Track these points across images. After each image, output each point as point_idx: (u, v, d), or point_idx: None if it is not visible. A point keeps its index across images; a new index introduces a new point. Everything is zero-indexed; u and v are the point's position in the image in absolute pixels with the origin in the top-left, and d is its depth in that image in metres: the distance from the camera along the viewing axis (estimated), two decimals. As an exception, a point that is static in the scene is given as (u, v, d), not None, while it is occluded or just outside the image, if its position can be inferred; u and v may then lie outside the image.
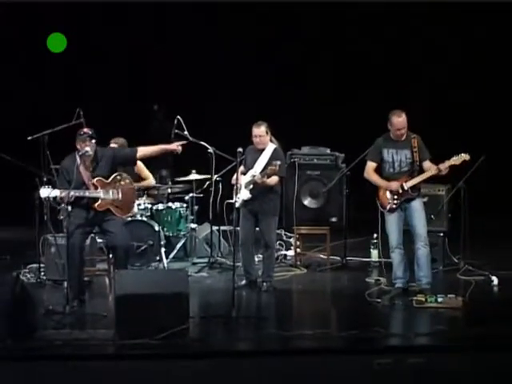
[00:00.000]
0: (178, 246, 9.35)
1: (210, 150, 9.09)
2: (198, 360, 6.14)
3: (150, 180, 9.26)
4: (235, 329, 6.80)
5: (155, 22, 12.51)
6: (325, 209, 9.23)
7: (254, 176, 7.90)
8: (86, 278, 7.96)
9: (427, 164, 7.79)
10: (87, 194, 7.55)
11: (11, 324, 6.42)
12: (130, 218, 8.54)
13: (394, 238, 7.79)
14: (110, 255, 8.01)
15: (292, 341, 6.51)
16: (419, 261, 7.77)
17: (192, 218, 9.50)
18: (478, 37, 12.14)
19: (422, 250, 7.76)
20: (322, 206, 9.24)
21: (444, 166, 7.68)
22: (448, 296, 7.34)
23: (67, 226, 7.44)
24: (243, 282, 8.17)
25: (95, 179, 7.61)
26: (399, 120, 7.74)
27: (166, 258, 9.04)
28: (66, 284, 7.51)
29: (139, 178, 9.06)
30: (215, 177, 9.12)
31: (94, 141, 7.58)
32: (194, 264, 9.24)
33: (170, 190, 9.58)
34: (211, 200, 9.06)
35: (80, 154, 7.52)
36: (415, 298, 7.37)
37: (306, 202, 9.27)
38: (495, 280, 8.24)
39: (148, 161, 9.65)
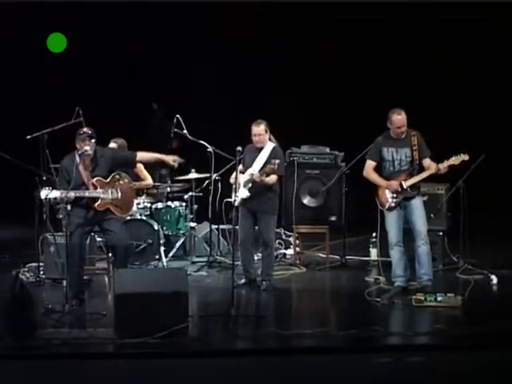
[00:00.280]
0: (178, 244, 9.36)
1: (210, 148, 9.10)
2: (198, 359, 6.15)
3: (149, 180, 9.25)
4: (234, 327, 6.80)
5: (155, 22, 12.51)
6: (324, 208, 9.23)
7: (252, 175, 7.90)
8: (85, 277, 7.96)
9: (427, 162, 7.80)
10: (87, 194, 7.55)
11: (11, 323, 6.45)
12: (129, 217, 8.55)
13: (393, 236, 7.80)
14: (110, 254, 8.02)
15: (291, 340, 6.53)
16: (420, 259, 7.79)
17: (191, 216, 9.51)
18: (479, 36, 12.14)
19: (423, 248, 7.79)
20: (321, 205, 9.24)
21: (443, 166, 7.70)
22: (447, 295, 7.35)
23: (67, 225, 7.44)
24: (242, 280, 8.18)
25: (94, 179, 7.61)
26: (399, 118, 7.75)
27: (166, 256, 9.05)
28: (65, 283, 7.52)
29: (138, 177, 9.05)
30: (214, 176, 9.14)
31: (93, 140, 7.58)
32: (194, 263, 9.24)
33: (169, 189, 9.59)
34: (210, 199, 9.07)
35: (79, 153, 7.53)
36: (414, 296, 7.38)
37: (306, 200, 9.27)
38: (494, 279, 8.25)
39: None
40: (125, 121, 11.54)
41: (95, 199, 7.58)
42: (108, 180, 7.68)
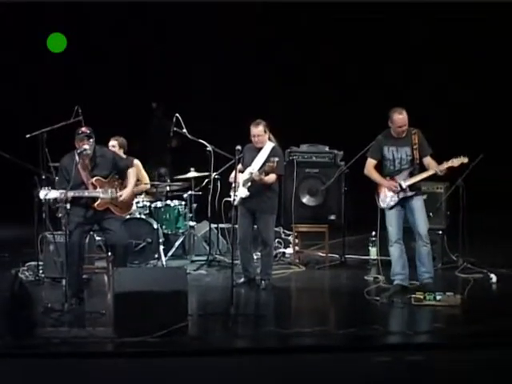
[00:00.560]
0: (177, 243, 9.36)
1: (209, 147, 9.10)
2: (197, 357, 6.14)
3: (146, 180, 9.23)
4: (234, 326, 6.79)
5: (155, 22, 12.51)
6: (323, 207, 9.23)
7: (251, 174, 7.90)
8: (84, 276, 7.95)
9: (427, 160, 7.81)
10: (86, 193, 7.55)
11: (10, 322, 6.46)
12: (128, 216, 8.55)
13: (393, 233, 7.81)
14: (109, 253, 8.03)
15: (291, 338, 6.51)
16: (421, 258, 7.81)
17: (190, 215, 9.51)
18: (479, 36, 12.15)
19: (424, 249, 7.81)
20: (320, 204, 9.24)
21: (443, 167, 7.71)
22: (446, 294, 7.35)
23: (66, 224, 7.44)
24: (242, 279, 8.18)
25: (94, 178, 7.61)
26: (400, 117, 7.76)
27: (165, 255, 9.04)
28: (64, 282, 7.50)
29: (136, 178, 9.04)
30: (214, 175, 9.14)
31: (92, 140, 7.58)
32: (193, 262, 9.24)
33: (168, 188, 9.59)
34: (210, 198, 9.07)
35: (78, 152, 7.53)
36: (414, 295, 7.37)
37: (305, 199, 9.27)
38: (494, 278, 8.25)
39: (146, 159, 9.70)
40: (125, 120, 11.54)
41: (95, 199, 7.58)
42: (107, 180, 7.68)
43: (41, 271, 8.37)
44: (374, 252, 9.07)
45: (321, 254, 9.39)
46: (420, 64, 12.42)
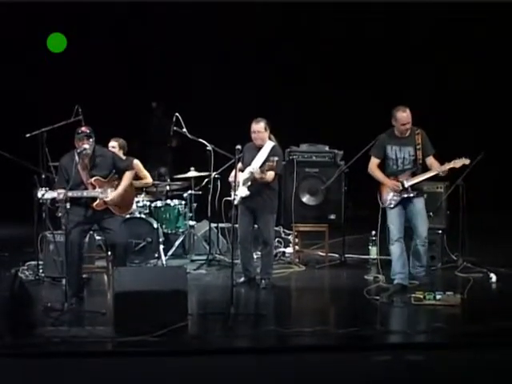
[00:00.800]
0: (177, 243, 9.36)
1: (209, 147, 9.10)
2: (197, 357, 6.14)
3: (148, 179, 9.25)
4: (234, 326, 6.77)
5: (155, 22, 12.51)
6: (323, 206, 9.22)
7: (252, 173, 7.90)
8: (84, 276, 7.97)
9: (430, 160, 7.83)
10: (85, 194, 7.55)
11: (10, 321, 6.43)
12: (128, 216, 8.55)
13: (394, 232, 7.82)
14: (109, 252, 8.02)
15: (291, 338, 6.51)
16: (418, 256, 7.86)
17: (190, 215, 9.51)
18: (479, 36, 12.15)
19: (422, 248, 7.87)
20: (320, 204, 9.24)
21: (445, 168, 7.72)
22: (446, 293, 7.34)
23: (66, 223, 7.44)
24: (242, 279, 8.18)
25: (93, 178, 7.61)
26: (404, 115, 7.76)
27: (165, 255, 9.04)
28: (64, 281, 7.51)
29: (137, 176, 9.05)
30: (214, 174, 9.14)
31: (92, 139, 7.58)
32: (193, 261, 9.24)
33: (168, 188, 9.58)
34: (210, 197, 9.08)
35: (78, 151, 7.52)
36: (413, 295, 7.37)
37: (305, 199, 9.27)
38: (493, 277, 8.25)
39: (146, 158, 9.69)
40: (125, 120, 11.54)
41: (94, 198, 7.57)
42: (107, 179, 7.68)
43: (41, 271, 8.37)
44: (374, 251, 9.08)
45: (321, 254, 9.39)
46: (420, 64, 12.42)
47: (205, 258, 9.24)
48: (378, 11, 12.04)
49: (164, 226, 9.26)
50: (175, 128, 9.25)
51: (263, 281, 8.13)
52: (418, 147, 7.80)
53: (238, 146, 7.73)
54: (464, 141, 10.69)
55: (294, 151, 9.34)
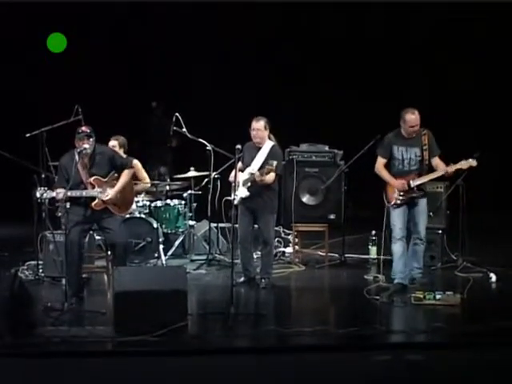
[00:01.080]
0: (177, 243, 9.36)
1: (209, 147, 9.10)
2: (197, 356, 6.14)
3: (147, 180, 9.22)
4: (234, 326, 6.77)
5: (155, 22, 12.51)
6: (323, 206, 9.23)
7: (252, 174, 7.90)
8: (84, 275, 7.96)
9: (436, 161, 7.84)
10: (84, 193, 7.54)
11: (10, 321, 6.43)
12: (128, 215, 8.55)
13: (398, 231, 7.83)
14: (109, 252, 8.02)
15: (291, 338, 6.52)
16: (416, 255, 7.88)
17: (190, 215, 9.51)
18: (479, 36, 12.15)
19: (421, 247, 7.90)
20: (320, 203, 9.24)
21: (451, 169, 7.74)
22: (446, 293, 7.35)
23: (66, 223, 7.44)
24: (242, 279, 8.18)
25: (92, 178, 7.60)
26: (412, 117, 7.77)
27: (165, 255, 9.04)
28: (64, 281, 7.51)
29: (136, 178, 9.04)
30: (213, 174, 9.14)
31: (92, 139, 7.57)
32: (193, 261, 9.24)
33: (168, 187, 9.58)
34: (209, 197, 9.08)
35: (78, 151, 7.52)
36: (413, 295, 7.38)
37: (305, 199, 9.27)
38: (493, 277, 8.25)
39: (146, 158, 9.69)
40: (125, 120, 11.53)
41: (93, 198, 7.57)
42: (106, 179, 7.67)
43: (40, 270, 8.37)
44: (373, 251, 9.08)
45: (320, 254, 9.39)
46: (420, 64, 12.42)
47: (205, 257, 9.24)
48: (378, 11, 12.04)
49: (164, 226, 9.26)
50: (175, 128, 9.25)
51: (263, 280, 8.13)
52: (424, 148, 7.81)
53: (238, 146, 7.72)
54: (464, 141, 10.67)
55: (294, 151, 9.34)
